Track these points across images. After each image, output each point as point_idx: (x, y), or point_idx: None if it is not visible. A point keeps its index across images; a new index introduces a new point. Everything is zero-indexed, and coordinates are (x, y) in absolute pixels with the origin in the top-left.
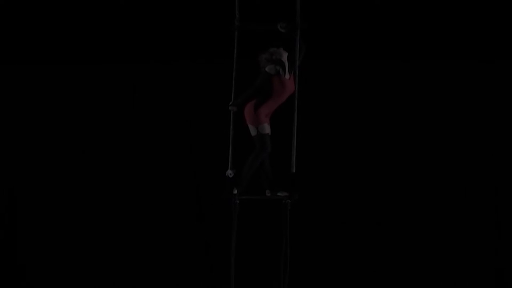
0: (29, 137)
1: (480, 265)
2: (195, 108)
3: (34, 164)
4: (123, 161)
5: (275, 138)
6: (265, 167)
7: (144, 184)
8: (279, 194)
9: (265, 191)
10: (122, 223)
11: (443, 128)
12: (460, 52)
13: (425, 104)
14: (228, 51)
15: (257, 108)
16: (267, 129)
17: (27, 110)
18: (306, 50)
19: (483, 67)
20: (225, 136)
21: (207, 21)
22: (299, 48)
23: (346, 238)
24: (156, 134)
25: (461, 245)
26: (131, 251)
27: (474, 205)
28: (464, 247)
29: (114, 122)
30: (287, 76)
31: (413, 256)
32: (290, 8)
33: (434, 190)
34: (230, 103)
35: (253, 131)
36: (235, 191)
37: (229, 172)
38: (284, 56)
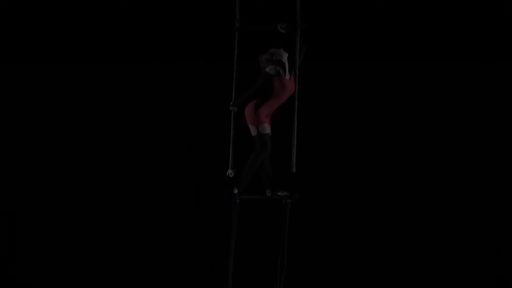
0: (28, 137)
1: (480, 265)
2: (196, 108)
3: (34, 164)
4: (123, 161)
5: (275, 138)
6: (265, 167)
7: (144, 184)
8: (279, 193)
9: (265, 191)
10: (122, 223)
11: (443, 128)
12: (460, 52)
13: (425, 104)
14: (229, 52)
15: (257, 108)
16: (267, 129)
17: (26, 109)
18: (306, 51)
19: (483, 67)
20: (226, 136)
21: (207, 22)
22: (299, 48)
23: (346, 238)
24: (157, 134)
25: (461, 245)
26: (131, 251)
27: (474, 205)
28: (464, 247)
29: (114, 122)
30: (287, 76)
31: (413, 256)
32: (290, 9)
33: (434, 189)
34: (231, 103)
35: (253, 131)
36: (236, 191)
37: (230, 172)
38: (285, 56)
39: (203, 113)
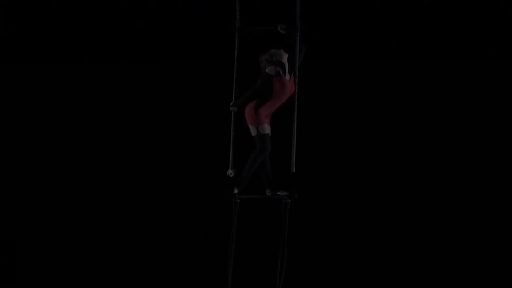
0: (28, 137)
1: (480, 265)
2: (196, 108)
3: (33, 163)
4: (123, 161)
5: (275, 138)
6: (265, 167)
7: (145, 184)
8: (279, 193)
9: (265, 191)
10: (122, 223)
11: (443, 128)
12: (460, 52)
13: (425, 104)
14: (229, 52)
15: (257, 109)
16: (267, 129)
17: (26, 108)
18: (305, 51)
19: (483, 67)
20: (226, 136)
21: (208, 22)
22: (299, 49)
23: (345, 238)
24: (157, 134)
25: (461, 245)
26: (131, 251)
27: (474, 205)
28: (464, 247)
29: (114, 122)
30: (287, 77)
31: (413, 256)
32: (289, 10)
33: (434, 189)
34: (231, 103)
35: (253, 131)
36: (236, 191)
37: (230, 172)
38: (284, 57)
39: (203, 113)
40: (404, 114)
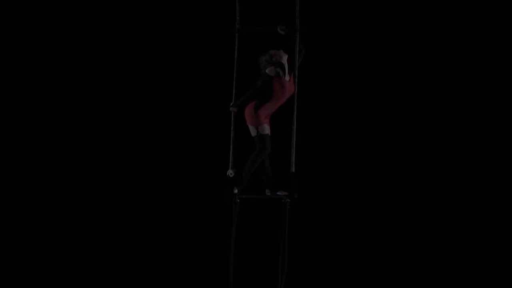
0: (28, 137)
1: (480, 266)
2: (196, 108)
3: (33, 164)
4: (123, 161)
5: (274, 139)
6: (265, 166)
7: (144, 184)
8: (278, 193)
9: (265, 191)
10: (122, 223)
11: (442, 128)
12: (460, 52)
13: (425, 104)
14: (229, 52)
15: (257, 109)
16: (267, 129)
17: (26, 108)
18: (305, 52)
19: (483, 67)
20: (226, 136)
21: (208, 23)
22: (298, 50)
23: (345, 238)
24: (157, 134)
25: (461, 245)
26: (131, 251)
27: (474, 205)
28: (464, 247)
29: (114, 122)
30: (287, 77)
31: (413, 256)
32: (289, 11)
33: (434, 189)
34: (231, 104)
35: (253, 132)
36: (236, 191)
37: (230, 172)
38: (284, 58)
39: (203, 113)
40: (404, 114)
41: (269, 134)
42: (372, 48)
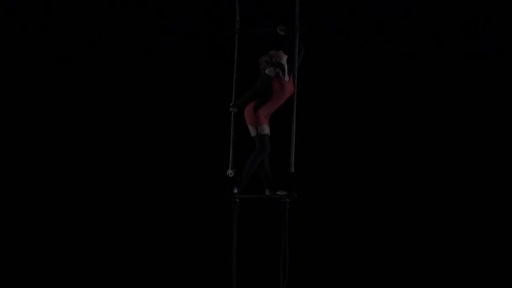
0: (28, 137)
1: (480, 266)
2: (196, 108)
3: (33, 163)
4: (123, 161)
5: (274, 139)
6: (264, 166)
7: (144, 184)
8: (278, 193)
9: (265, 190)
10: (122, 223)
11: (442, 128)
12: (460, 52)
13: (424, 104)
14: (229, 53)
15: (256, 109)
16: (266, 129)
17: (26, 108)
18: (305, 52)
19: (483, 67)
20: (226, 136)
21: (208, 23)
22: (298, 50)
23: (344, 237)
24: (157, 134)
25: (461, 245)
26: (131, 251)
27: (474, 206)
28: (464, 247)
29: (114, 122)
30: (286, 78)
31: (413, 256)
32: (289, 12)
33: (434, 189)
34: (231, 104)
35: (253, 132)
36: (235, 190)
37: (230, 172)
38: (284, 58)
39: (203, 113)
40: (404, 114)
41: (269, 134)
42: (372, 47)
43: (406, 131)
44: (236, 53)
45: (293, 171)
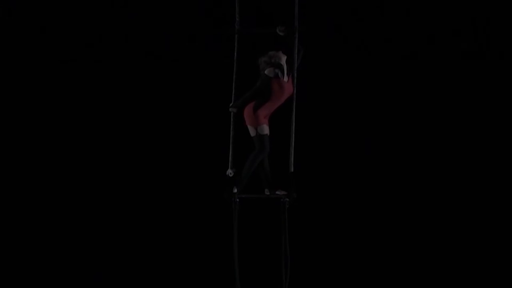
0: (28, 137)
1: (480, 265)
2: (196, 108)
3: (33, 163)
4: (123, 161)
5: (274, 139)
6: (264, 166)
7: (144, 184)
8: (277, 193)
9: (264, 190)
10: (122, 223)
11: (442, 128)
12: (460, 52)
13: (424, 104)
14: (229, 53)
15: (256, 110)
16: (266, 129)
17: (26, 108)
18: (304, 53)
19: (483, 67)
20: (226, 136)
21: (208, 23)
22: (297, 50)
23: (344, 237)
24: (157, 134)
25: (461, 245)
26: (131, 251)
27: (474, 206)
28: (464, 247)
29: (114, 122)
30: (285, 78)
31: (413, 256)
32: (288, 12)
33: (434, 189)
34: (230, 104)
35: (252, 132)
36: (235, 190)
37: (229, 172)
38: (283, 59)
39: (203, 113)
40: (404, 114)
41: (268, 134)
42: (371, 47)
43: (406, 131)
44: (235, 53)
45: (292, 171)
